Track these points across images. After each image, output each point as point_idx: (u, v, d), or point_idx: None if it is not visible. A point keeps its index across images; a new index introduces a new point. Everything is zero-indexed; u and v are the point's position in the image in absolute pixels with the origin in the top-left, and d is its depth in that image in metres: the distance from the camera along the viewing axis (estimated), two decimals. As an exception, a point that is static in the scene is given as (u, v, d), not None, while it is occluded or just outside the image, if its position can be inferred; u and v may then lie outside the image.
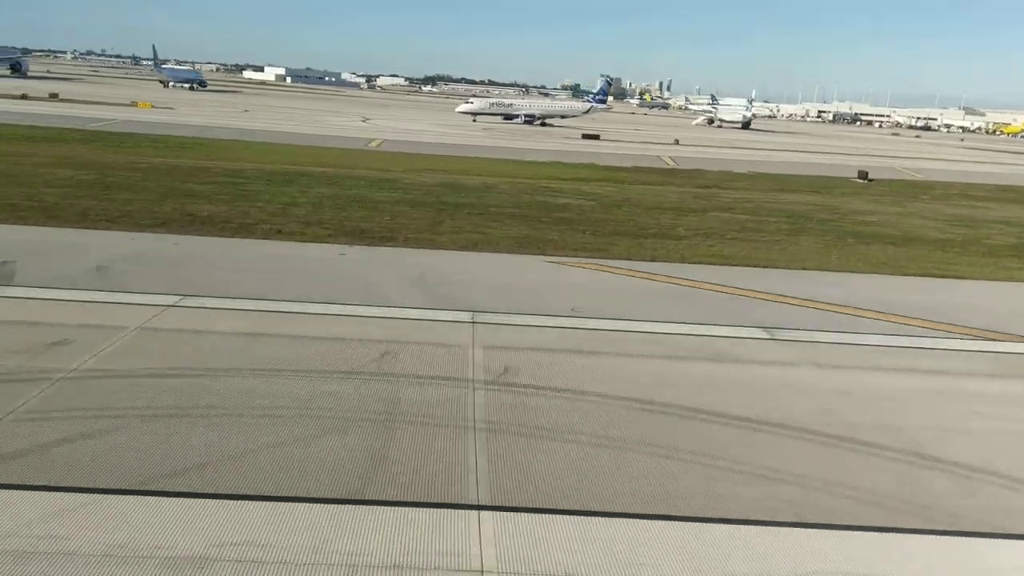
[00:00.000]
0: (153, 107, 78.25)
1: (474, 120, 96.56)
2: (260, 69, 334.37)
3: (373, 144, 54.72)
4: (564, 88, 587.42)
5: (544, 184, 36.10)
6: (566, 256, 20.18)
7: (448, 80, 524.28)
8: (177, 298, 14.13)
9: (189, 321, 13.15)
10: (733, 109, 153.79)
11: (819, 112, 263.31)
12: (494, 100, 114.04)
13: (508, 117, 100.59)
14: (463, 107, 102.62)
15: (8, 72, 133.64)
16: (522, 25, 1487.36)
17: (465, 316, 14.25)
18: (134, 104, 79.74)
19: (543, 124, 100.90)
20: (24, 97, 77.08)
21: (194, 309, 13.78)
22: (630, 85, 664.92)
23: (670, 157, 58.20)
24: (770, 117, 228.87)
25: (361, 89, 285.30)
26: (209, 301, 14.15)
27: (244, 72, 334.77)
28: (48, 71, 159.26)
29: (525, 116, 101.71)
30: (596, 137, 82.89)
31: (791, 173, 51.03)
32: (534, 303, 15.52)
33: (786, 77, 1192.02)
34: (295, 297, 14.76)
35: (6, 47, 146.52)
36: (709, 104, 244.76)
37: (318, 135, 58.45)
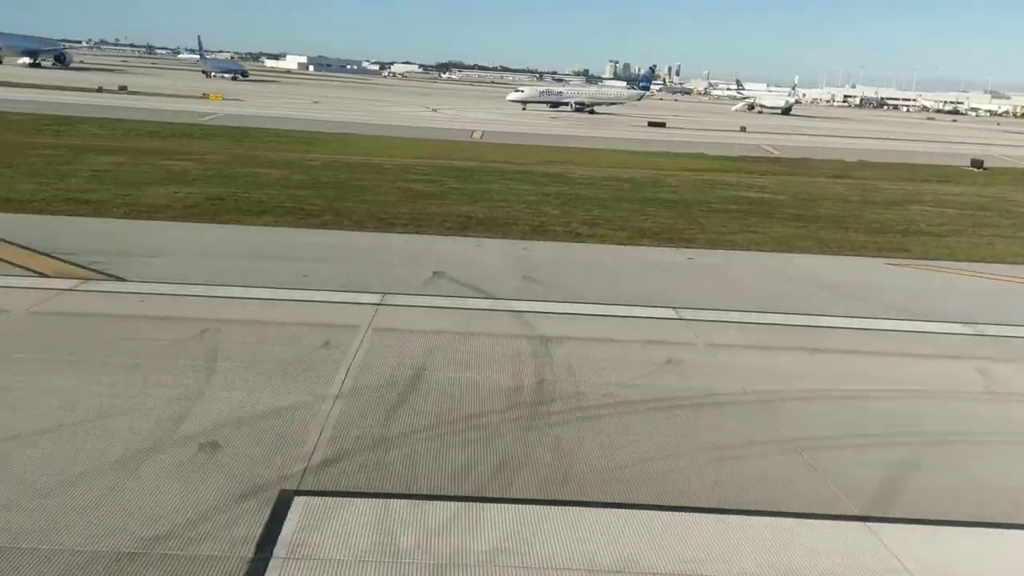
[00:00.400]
0: (224, 99, 78.56)
1: (523, 108, 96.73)
2: (275, 57, 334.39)
3: (476, 136, 55.00)
4: (576, 74, 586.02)
5: (703, 177, 36.34)
6: (885, 256, 20.01)
7: (461, 67, 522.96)
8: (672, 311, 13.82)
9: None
10: (775, 95, 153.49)
11: (845, 97, 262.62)
12: (543, 88, 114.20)
13: (554, 105, 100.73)
14: (513, 95, 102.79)
15: (51, 64, 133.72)
16: (528, 11, 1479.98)
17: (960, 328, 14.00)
18: (205, 96, 79.99)
19: (591, 112, 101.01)
20: (100, 90, 77.46)
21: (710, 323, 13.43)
22: (638, 70, 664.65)
23: (770, 146, 58.45)
24: (796, 102, 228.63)
25: (384, 77, 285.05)
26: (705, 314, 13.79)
27: (264, 60, 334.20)
28: (82, 62, 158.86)
29: (576, 104, 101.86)
30: (662, 125, 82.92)
31: (900, 162, 51.21)
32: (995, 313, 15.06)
33: (797, 61, 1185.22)
34: (741, 307, 14.28)
35: (47, 38, 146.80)
36: (736, 90, 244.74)
37: (415, 127, 58.69)
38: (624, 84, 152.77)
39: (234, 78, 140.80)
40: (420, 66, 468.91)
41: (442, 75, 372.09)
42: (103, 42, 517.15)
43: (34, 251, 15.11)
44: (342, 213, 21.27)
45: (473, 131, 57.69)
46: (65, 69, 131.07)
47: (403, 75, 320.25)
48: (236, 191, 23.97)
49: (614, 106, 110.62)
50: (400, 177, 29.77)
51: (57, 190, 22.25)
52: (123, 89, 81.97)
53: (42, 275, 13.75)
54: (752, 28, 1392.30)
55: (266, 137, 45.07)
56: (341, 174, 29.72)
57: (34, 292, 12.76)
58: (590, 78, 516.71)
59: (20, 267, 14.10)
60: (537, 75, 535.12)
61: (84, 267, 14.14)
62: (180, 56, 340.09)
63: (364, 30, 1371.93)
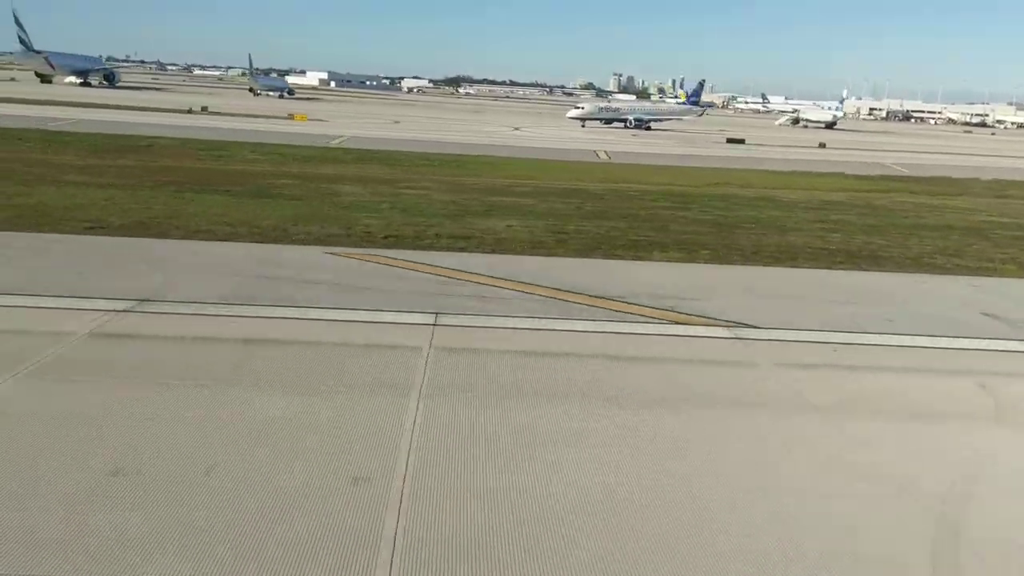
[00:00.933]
0: (309, 120, 78.69)
1: (583, 125, 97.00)
2: (284, 73, 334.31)
3: (603, 156, 55.11)
4: (583, 87, 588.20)
5: (894, 198, 36.30)
6: None
7: (469, 81, 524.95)
8: None
9: None
10: (821, 110, 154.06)
11: (870, 109, 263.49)
12: (602, 104, 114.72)
13: (607, 121, 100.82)
14: (574, 112, 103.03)
15: (100, 83, 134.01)
16: (532, 25, 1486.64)
17: None
18: (291, 117, 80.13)
19: (647, 128, 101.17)
20: (191, 112, 77.63)
21: None
22: (642, 83, 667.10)
23: (897, 164, 58.72)
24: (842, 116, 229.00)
25: (407, 92, 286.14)
26: None
27: (285, 77, 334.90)
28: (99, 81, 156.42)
29: (635, 120, 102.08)
30: (741, 141, 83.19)
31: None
32: None
33: (801, 73, 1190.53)
34: None
35: (92, 56, 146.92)
36: (761, 103, 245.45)
37: (531, 147, 58.69)
38: (675, 100, 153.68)
39: (280, 96, 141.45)
40: (430, 81, 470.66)
41: (458, 90, 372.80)
42: (110, 58, 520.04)
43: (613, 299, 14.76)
44: (740, 248, 20.92)
45: (597, 151, 57.81)
46: (113, 88, 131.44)
47: (422, 90, 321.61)
48: (567, 224, 23.42)
49: (666, 122, 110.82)
50: (662, 205, 29.64)
51: (408, 226, 21.46)
52: (205, 110, 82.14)
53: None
54: (755, 40, 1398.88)
55: (417, 161, 44.96)
56: (627, 202, 29.63)
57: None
58: (600, 92, 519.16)
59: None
60: (547, 89, 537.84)
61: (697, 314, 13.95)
62: (220, 75, 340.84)
63: (371, 46, 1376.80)
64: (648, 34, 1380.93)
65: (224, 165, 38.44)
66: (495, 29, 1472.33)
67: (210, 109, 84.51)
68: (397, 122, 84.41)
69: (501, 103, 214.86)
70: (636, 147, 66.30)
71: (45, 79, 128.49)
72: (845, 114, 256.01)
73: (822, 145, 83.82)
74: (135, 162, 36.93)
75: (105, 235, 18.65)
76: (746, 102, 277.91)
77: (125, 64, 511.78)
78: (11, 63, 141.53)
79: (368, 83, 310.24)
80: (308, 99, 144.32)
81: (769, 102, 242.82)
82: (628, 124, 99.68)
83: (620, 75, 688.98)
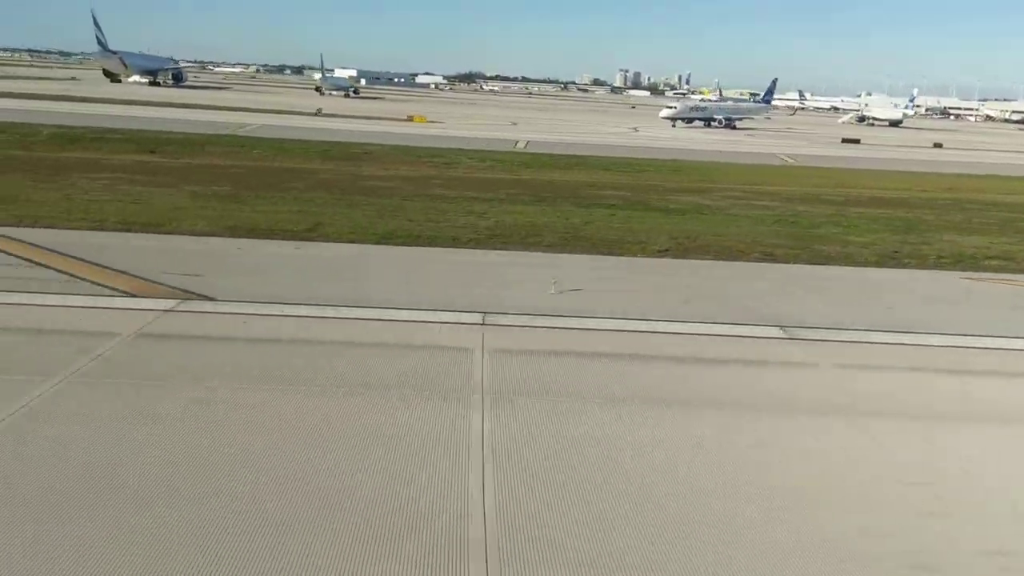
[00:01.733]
0: (428, 121, 78.59)
1: (673, 125, 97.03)
2: (304, 71, 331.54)
3: (787, 160, 55.44)
4: (594, 83, 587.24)
5: None
6: None
7: (482, 77, 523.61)
8: None
9: None
10: (888, 108, 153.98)
11: (865, 105, 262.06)
12: (691, 104, 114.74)
13: (688, 120, 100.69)
14: (666, 112, 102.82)
15: (170, 82, 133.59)
16: (536, 21, 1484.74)
17: None
18: (410, 119, 79.99)
19: (733, 127, 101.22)
20: (319, 113, 77.72)
21: None
22: (648, 79, 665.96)
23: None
24: (836, 109, 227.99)
25: (436, 89, 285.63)
26: None
27: (314, 74, 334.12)
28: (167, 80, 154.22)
29: (725, 119, 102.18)
30: (857, 141, 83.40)
31: None
32: None
33: (808, 69, 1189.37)
34: None
35: (160, 57, 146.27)
36: (799, 100, 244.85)
37: (693, 150, 58.98)
38: (748, 96, 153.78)
39: (346, 95, 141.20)
40: (444, 77, 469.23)
41: (483, 86, 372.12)
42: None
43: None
44: None
45: (782, 155, 58.34)
46: (181, 87, 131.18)
47: (438, 86, 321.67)
48: None
49: (744, 120, 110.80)
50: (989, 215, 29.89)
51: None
52: (320, 112, 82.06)
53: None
54: (757, 36, 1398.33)
55: (643, 167, 44.80)
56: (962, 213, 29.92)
57: None
58: (616, 90, 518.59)
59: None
60: (562, 85, 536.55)
61: None
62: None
63: (383, 42, 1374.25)
64: (652, 30, 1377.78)
65: (494, 174, 38.67)
66: (499, 25, 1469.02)
67: (325, 111, 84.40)
68: (515, 123, 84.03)
69: (551, 100, 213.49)
70: (785, 149, 66.49)
71: (114, 78, 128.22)
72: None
73: (937, 145, 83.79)
74: (418, 172, 37.25)
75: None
76: (780, 98, 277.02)
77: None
78: (90, 63, 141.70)
79: (397, 80, 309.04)
80: (373, 98, 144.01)
81: (807, 99, 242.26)
82: (718, 123, 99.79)
83: (627, 71, 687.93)
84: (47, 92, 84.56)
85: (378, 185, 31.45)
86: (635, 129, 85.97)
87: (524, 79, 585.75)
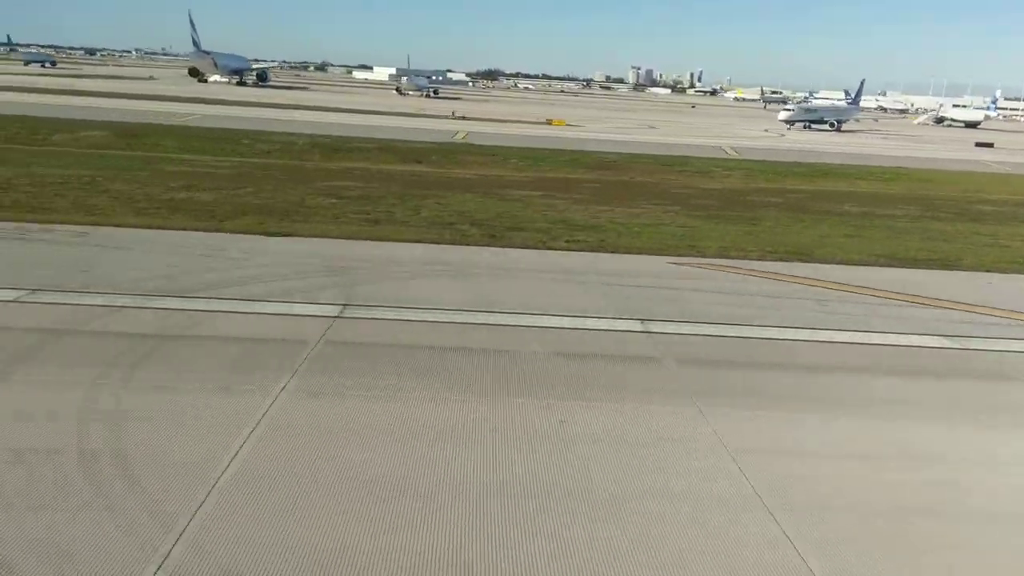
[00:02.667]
0: (567, 124, 78.56)
1: (789, 128, 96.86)
2: (332, 67, 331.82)
3: (995, 167, 55.48)
4: (614, 82, 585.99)
5: None
6: None
7: (502, 74, 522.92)
8: None
9: None
10: (966, 109, 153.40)
11: (953, 105, 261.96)
12: (807, 107, 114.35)
13: (790, 122, 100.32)
14: (784, 114, 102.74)
15: (251, 82, 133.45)
16: (549, 16, 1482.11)
17: None
18: (549, 122, 79.95)
19: (839, 129, 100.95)
20: (453, 116, 77.74)
21: None
22: (660, 76, 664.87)
23: None
24: (902, 111, 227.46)
25: (473, 87, 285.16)
26: None
27: (353, 72, 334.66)
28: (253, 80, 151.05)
29: (837, 121, 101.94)
30: (990, 145, 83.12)
31: None
32: None
33: (819, 67, 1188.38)
34: None
35: (245, 57, 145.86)
36: (846, 99, 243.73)
37: (866, 155, 59.07)
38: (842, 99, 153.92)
39: (426, 95, 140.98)
40: (466, 74, 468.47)
41: (517, 84, 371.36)
42: (149, 53, 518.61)
43: None
44: None
45: (941, 158, 58.52)
46: (266, 87, 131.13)
47: (472, 84, 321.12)
48: None
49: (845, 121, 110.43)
50: None
51: None
52: (454, 115, 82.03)
53: None
54: (771, 35, 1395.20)
55: (864, 176, 45.13)
56: None
57: None
58: (636, 86, 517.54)
59: None
60: (584, 82, 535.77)
61: None
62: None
63: (403, 39, 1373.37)
64: (658, 27, 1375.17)
65: (796, 184, 38.98)
66: (506, 23, 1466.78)
67: (459, 113, 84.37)
68: (653, 127, 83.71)
69: (604, 99, 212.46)
70: (945, 153, 66.55)
71: (201, 78, 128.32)
72: (920, 109, 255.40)
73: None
74: (738, 185, 37.54)
75: None
76: (805, 97, 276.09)
77: (163, 57, 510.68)
78: (184, 63, 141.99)
79: (434, 77, 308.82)
80: (453, 98, 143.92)
81: (852, 98, 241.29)
82: (830, 126, 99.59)
83: (639, 68, 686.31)
84: (174, 94, 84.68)
85: (769, 200, 31.82)
86: (765, 131, 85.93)
87: (545, 76, 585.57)
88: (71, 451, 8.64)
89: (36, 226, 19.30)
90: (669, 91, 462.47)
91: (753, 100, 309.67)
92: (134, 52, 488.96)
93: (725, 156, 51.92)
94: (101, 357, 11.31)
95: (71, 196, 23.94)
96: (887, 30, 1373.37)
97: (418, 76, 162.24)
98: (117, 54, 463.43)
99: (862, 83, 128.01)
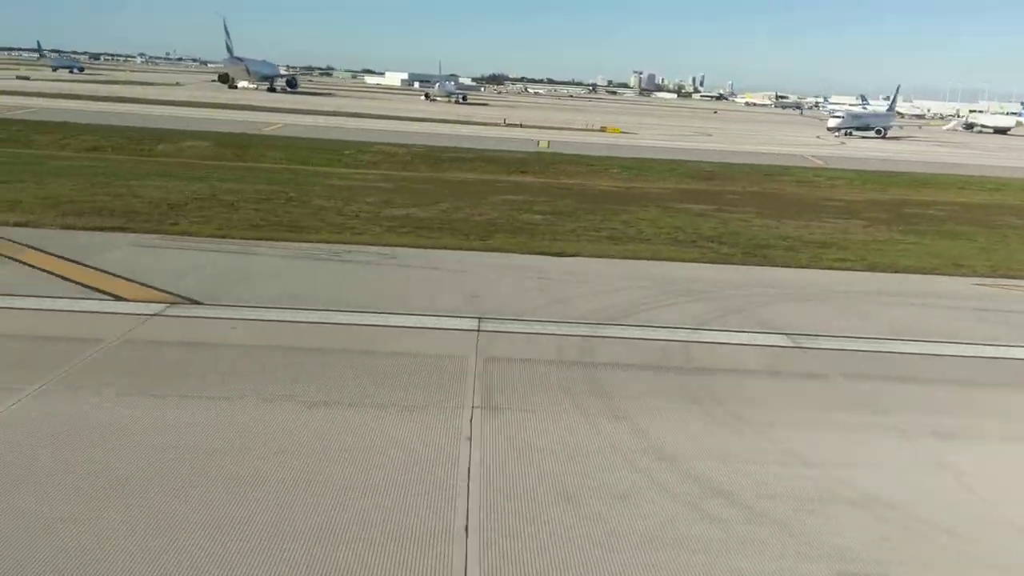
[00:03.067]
0: (622, 132, 78.52)
1: (837, 135, 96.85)
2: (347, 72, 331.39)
3: None
4: (618, 87, 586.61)
5: None
6: None
7: (506, 79, 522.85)
8: None
9: None
10: (999, 116, 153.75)
11: (970, 111, 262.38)
12: (855, 113, 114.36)
13: (839, 129, 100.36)
14: (834, 122, 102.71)
15: (280, 88, 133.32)
16: (543, 20, 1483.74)
17: None
18: (604, 129, 79.91)
19: (884, 136, 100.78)
20: (505, 123, 77.70)
21: None
22: (663, 81, 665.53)
23: None
24: (919, 116, 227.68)
25: (483, 91, 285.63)
26: None
27: (364, 77, 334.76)
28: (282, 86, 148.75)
29: (884, 128, 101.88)
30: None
31: None
32: None
33: (814, 72, 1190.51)
34: None
35: (274, 63, 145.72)
36: (861, 104, 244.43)
37: (944, 163, 59.11)
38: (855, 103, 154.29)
39: (456, 101, 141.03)
40: (472, 79, 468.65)
41: (527, 88, 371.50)
42: (152, 58, 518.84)
43: None
44: None
45: None
46: (295, 93, 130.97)
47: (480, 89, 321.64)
48: None
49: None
50: None
51: None
52: (505, 123, 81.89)
53: None
54: (768, 40, 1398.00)
55: (953, 183, 45.14)
56: None
57: None
58: (643, 91, 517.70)
59: None
60: (590, 87, 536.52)
61: None
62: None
63: (403, 43, 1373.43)
64: (658, 32, 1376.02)
65: (886, 194, 38.87)
66: (505, 26, 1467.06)
67: (508, 121, 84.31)
68: (708, 134, 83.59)
69: (634, 105, 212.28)
70: (1013, 161, 66.58)
71: (231, 84, 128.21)
72: (937, 115, 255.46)
73: None
74: (849, 195, 37.41)
75: None
76: (816, 102, 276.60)
77: (165, 61, 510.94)
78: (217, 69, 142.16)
79: (447, 83, 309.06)
80: (481, 104, 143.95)
81: (870, 104, 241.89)
82: (876, 132, 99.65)
83: (640, 73, 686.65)
84: (222, 101, 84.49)
85: (927, 213, 32.05)
86: (818, 137, 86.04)
87: (550, 81, 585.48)
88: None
89: (341, 247, 19.19)
90: (675, 96, 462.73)
91: (764, 105, 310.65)
92: (138, 57, 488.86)
93: (812, 165, 51.96)
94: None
95: (296, 213, 23.76)
96: (883, 33, 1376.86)
97: (449, 84, 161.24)
98: (122, 59, 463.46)
99: (897, 89, 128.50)
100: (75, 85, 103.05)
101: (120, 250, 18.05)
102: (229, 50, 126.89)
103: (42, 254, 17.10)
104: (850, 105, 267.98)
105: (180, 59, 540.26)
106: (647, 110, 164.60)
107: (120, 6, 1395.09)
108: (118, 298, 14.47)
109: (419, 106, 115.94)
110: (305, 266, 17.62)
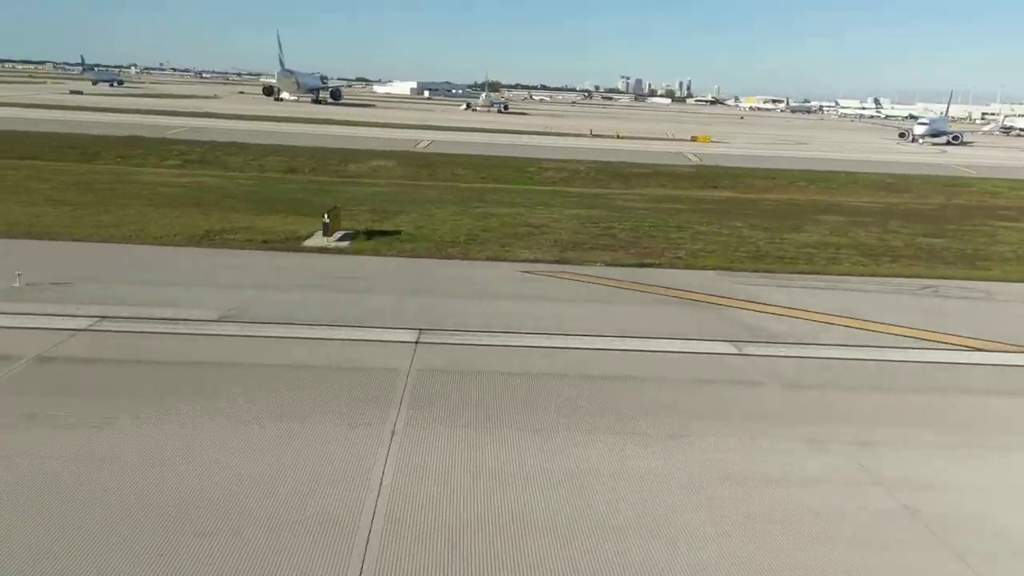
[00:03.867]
0: (712, 141, 78.58)
1: (920, 142, 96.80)
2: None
3: None
4: (614, 92, 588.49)
5: None
6: None
7: (500, 86, 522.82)
8: None
9: None
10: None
11: (983, 114, 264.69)
12: (935, 120, 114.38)
13: (922, 136, 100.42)
14: (920, 128, 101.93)
15: (325, 100, 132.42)
16: (534, 25, 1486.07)
17: None
18: (694, 139, 79.94)
19: (961, 143, 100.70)
20: (618, 137, 77.49)
21: None
22: (649, 86, 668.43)
23: None
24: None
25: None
26: None
27: (374, 86, 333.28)
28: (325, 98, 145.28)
29: (959, 134, 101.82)
30: None
31: None
32: None
33: (803, 75, 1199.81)
34: None
35: (317, 75, 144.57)
36: (875, 108, 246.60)
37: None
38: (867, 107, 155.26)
39: (498, 111, 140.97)
40: (467, 87, 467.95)
41: (532, 95, 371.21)
42: (147, 68, 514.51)
43: None
44: None
45: None
46: (339, 104, 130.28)
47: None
48: None
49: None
50: None
51: None
52: (591, 133, 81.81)
53: None
54: (753, 44, 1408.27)
55: None
56: None
57: None
58: (638, 96, 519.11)
59: None
60: (586, 93, 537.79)
61: None
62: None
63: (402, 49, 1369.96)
64: (644, 37, 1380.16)
65: None
66: (504, 33, 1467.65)
67: (559, 129, 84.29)
68: (804, 143, 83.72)
69: (659, 112, 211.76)
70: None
71: (277, 97, 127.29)
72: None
73: None
74: None
75: None
76: (838, 106, 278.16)
77: (163, 71, 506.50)
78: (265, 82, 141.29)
79: (454, 91, 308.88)
80: (520, 113, 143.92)
81: (883, 107, 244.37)
82: (953, 139, 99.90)
83: (628, 78, 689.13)
84: (304, 115, 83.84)
85: None
86: (898, 144, 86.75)
87: (544, 87, 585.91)
88: None
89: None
90: (669, 101, 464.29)
91: (768, 109, 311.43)
92: (134, 68, 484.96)
93: (962, 174, 52.08)
94: None
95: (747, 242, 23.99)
96: (876, 36, 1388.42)
97: (493, 93, 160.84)
98: (119, 69, 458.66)
99: (951, 95, 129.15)
100: (140, 100, 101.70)
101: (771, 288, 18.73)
102: (281, 63, 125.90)
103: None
104: (861, 108, 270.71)
105: (174, 70, 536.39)
106: (673, 116, 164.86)
107: (112, 18, 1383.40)
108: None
109: (472, 116, 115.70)
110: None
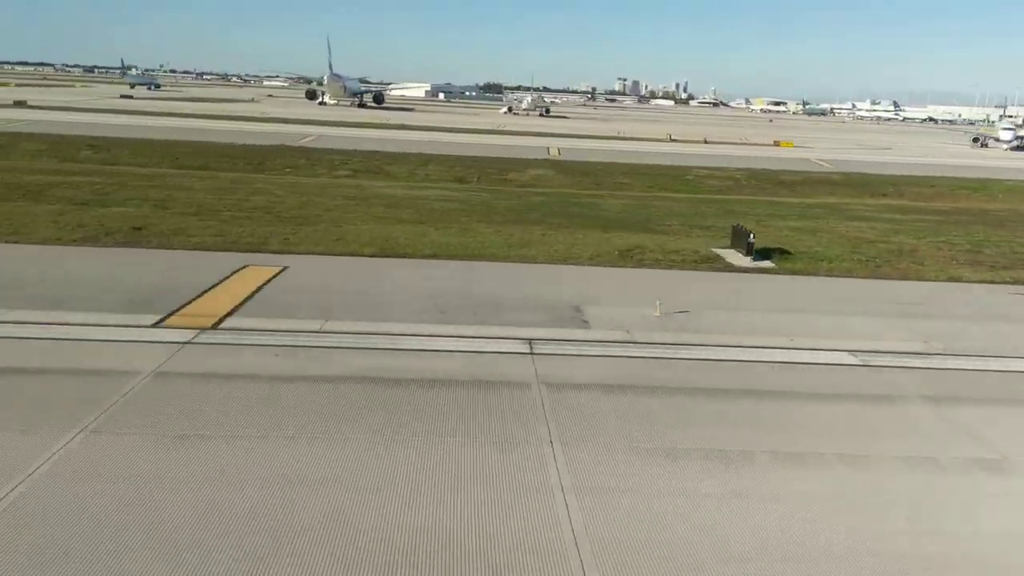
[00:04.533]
0: (795, 146, 78.31)
1: (1006, 147, 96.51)
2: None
3: None
4: (616, 93, 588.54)
5: None
6: None
7: (502, 87, 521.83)
8: None
9: None
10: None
11: (1001, 116, 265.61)
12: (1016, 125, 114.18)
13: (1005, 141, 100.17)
14: (1006, 135, 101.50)
15: (370, 104, 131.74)
16: (532, 28, 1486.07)
17: None
18: (777, 144, 79.63)
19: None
20: (670, 139, 77.40)
21: None
22: (645, 87, 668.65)
23: None
24: (950, 123, 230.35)
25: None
26: None
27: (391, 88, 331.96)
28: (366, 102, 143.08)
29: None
30: None
31: None
32: None
33: (790, 77, 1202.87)
34: None
35: (358, 79, 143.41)
36: (895, 111, 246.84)
37: None
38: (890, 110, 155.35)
39: (540, 114, 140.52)
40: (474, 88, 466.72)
41: (543, 98, 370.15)
42: (148, 70, 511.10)
43: None
44: None
45: None
46: (382, 108, 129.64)
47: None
48: None
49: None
50: None
51: None
52: (670, 138, 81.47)
53: None
54: (744, 45, 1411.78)
55: None
56: None
57: None
58: (641, 98, 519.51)
59: None
60: (588, 95, 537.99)
61: None
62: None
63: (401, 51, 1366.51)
64: (639, 38, 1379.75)
65: None
66: (506, 34, 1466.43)
67: (637, 135, 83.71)
68: (888, 149, 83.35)
69: (681, 115, 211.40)
70: None
71: (322, 101, 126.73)
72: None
73: None
74: None
75: None
76: (854, 108, 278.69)
77: (161, 73, 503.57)
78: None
79: (467, 93, 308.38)
80: (561, 117, 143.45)
81: (903, 109, 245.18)
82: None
83: (624, 79, 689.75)
84: (379, 121, 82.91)
85: None
86: (982, 148, 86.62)
87: (545, 89, 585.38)
88: None
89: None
90: (672, 103, 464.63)
91: (774, 111, 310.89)
92: (133, 70, 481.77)
93: None
94: None
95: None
96: (868, 38, 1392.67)
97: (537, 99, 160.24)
98: (117, 72, 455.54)
99: (1005, 101, 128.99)
100: (199, 105, 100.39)
101: None
102: (330, 67, 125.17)
103: None
104: (873, 109, 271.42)
105: (173, 71, 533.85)
106: (701, 119, 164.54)
107: (110, 21, 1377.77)
108: None
109: (525, 120, 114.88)
110: None
